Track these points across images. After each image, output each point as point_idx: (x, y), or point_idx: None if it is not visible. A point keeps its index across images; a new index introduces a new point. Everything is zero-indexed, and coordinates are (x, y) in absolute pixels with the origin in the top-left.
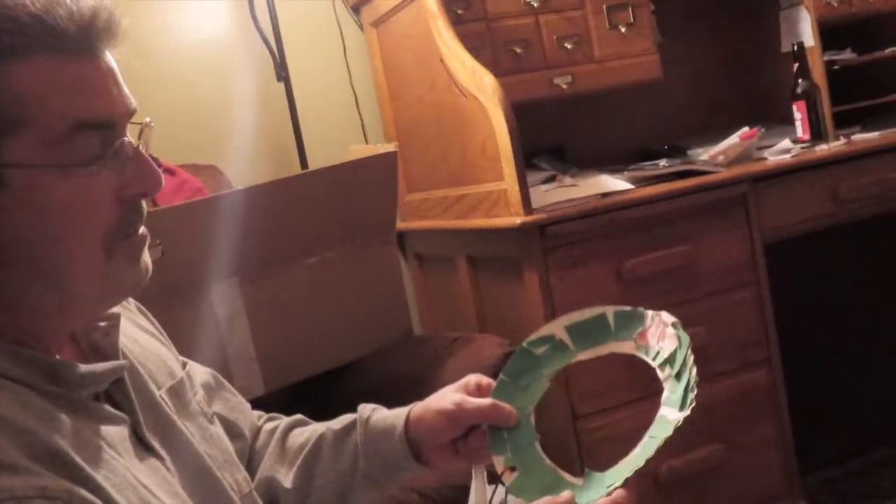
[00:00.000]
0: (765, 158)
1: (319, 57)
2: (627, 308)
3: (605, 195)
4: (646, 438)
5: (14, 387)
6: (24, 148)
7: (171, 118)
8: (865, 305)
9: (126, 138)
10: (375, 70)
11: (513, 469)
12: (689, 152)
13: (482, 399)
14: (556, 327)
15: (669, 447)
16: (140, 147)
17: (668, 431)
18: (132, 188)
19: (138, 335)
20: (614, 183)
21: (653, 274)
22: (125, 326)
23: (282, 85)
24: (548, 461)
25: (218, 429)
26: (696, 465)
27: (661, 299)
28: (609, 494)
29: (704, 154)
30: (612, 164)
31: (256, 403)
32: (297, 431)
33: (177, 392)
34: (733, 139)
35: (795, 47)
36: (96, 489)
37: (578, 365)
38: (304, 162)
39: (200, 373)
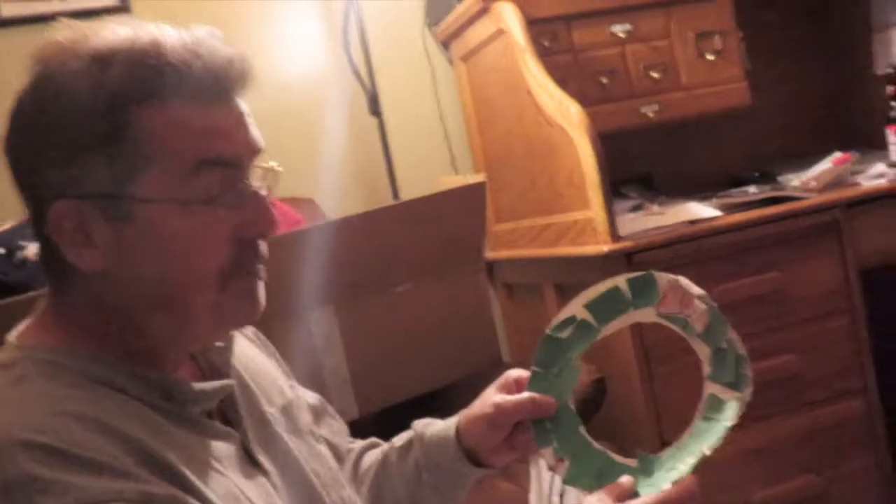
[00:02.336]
0: (858, 184)
1: (410, 91)
2: (638, 274)
3: (692, 222)
4: (699, 419)
5: (131, 402)
6: (151, 184)
7: (269, 153)
8: None
9: (248, 180)
10: (464, 103)
11: (562, 459)
12: (780, 178)
13: (519, 395)
14: (576, 308)
15: (763, 476)
16: (261, 189)
17: (732, 416)
18: (248, 228)
19: (253, 354)
20: (702, 210)
21: (742, 300)
22: (242, 346)
23: (375, 119)
24: (595, 445)
25: (324, 448)
26: (790, 496)
27: (751, 326)
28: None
29: (795, 180)
30: (700, 191)
31: (349, 427)
32: (368, 455)
33: (287, 411)
34: (825, 164)
35: (891, 70)
36: (203, 500)
37: (669, 394)
38: (395, 194)
39: (308, 396)
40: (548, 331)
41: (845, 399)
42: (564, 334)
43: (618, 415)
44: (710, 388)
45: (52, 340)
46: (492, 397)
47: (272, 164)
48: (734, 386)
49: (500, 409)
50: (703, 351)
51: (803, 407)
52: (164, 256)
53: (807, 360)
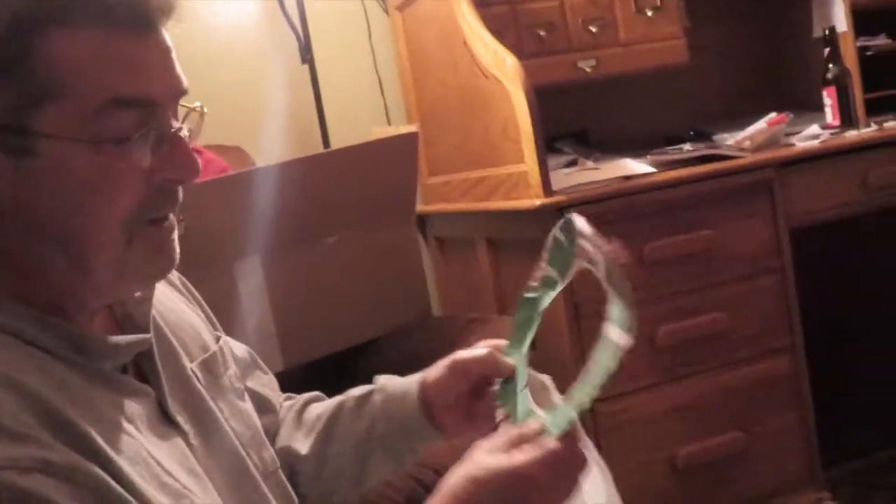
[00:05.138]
0: (792, 144)
1: (344, 40)
2: (559, 224)
3: (626, 178)
4: (595, 355)
5: (38, 354)
6: (58, 119)
7: (196, 99)
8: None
9: (168, 121)
10: (399, 53)
11: (508, 416)
12: (715, 137)
13: (481, 350)
14: (542, 267)
15: (689, 432)
16: (182, 132)
17: (614, 358)
18: (164, 173)
19: (176, 305)
20: (636, 166)
21: (674, 258)
22: (164, 296)
23: (306, 67)
24: (529, 397)
25: (248, 405)
26: (714, 452)
27: (682, 284)
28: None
29: (730, 139)
30: (635, 148)
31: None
32: (314, 405)
33: (208, 366)
34: (760, 124)
35: (827, 32)
36: (107, 463)
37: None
38: (327, 144)
39: (237, 348)
40: (525, 294)
41: (773, 357)
42: (539, 293)
43: (544, 368)
44: (608, 328)
45: None
46: (458, 352)
47: (197, 104)
48: (624, 325)
49: (458, 356)
50: (608, 290)
51: (731, 364)
52: (67, 197)
53: (736, 318)
